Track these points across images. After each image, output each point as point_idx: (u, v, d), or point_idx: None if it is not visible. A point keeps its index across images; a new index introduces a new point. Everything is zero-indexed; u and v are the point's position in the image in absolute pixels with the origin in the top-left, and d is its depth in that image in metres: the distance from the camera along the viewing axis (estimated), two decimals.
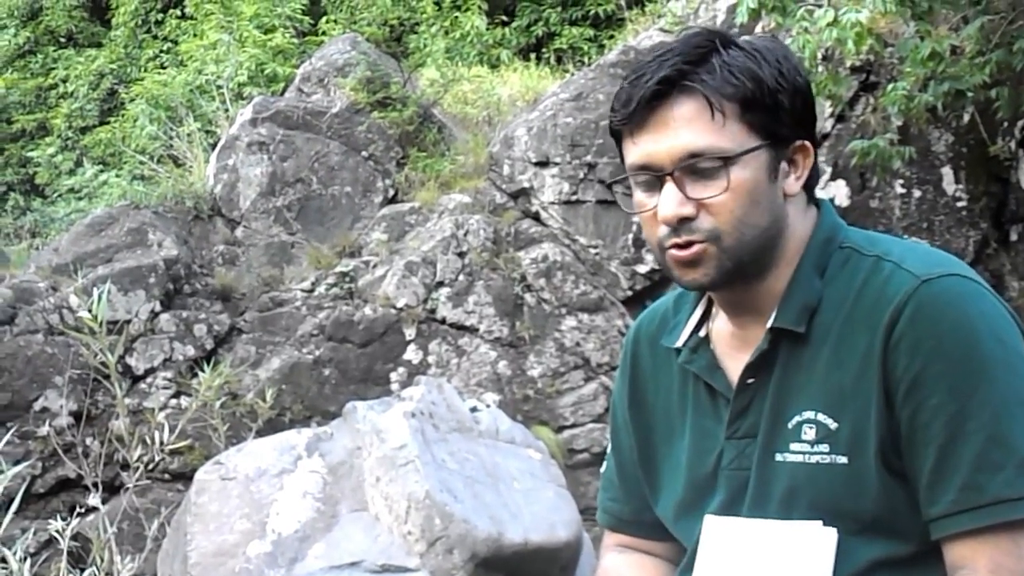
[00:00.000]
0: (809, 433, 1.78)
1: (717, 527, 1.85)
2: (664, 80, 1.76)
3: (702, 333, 1.96)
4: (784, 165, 1.83)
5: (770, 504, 1.80)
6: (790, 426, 1.80)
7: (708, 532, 1.85)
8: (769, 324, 1.83)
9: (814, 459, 1.77)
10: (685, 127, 1.76)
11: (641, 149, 1.79)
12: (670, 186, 1.77)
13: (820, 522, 1.75)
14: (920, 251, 1.84)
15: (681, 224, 1.77)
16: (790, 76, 1.82)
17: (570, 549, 5.10)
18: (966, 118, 7.29)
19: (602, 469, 2.20)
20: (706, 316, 1.97)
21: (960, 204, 7.48)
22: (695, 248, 1.77)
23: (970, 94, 6.48)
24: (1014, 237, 7.39)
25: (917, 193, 7.54)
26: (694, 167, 1.75)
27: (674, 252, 1.79)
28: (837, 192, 7.58)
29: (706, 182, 1.76)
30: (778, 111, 1.80)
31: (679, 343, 1.96)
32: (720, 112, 1.76)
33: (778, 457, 1.81)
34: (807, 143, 1.86)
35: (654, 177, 1.79)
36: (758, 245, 1.80)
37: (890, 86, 6.59)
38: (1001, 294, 1.83)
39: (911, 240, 6.87)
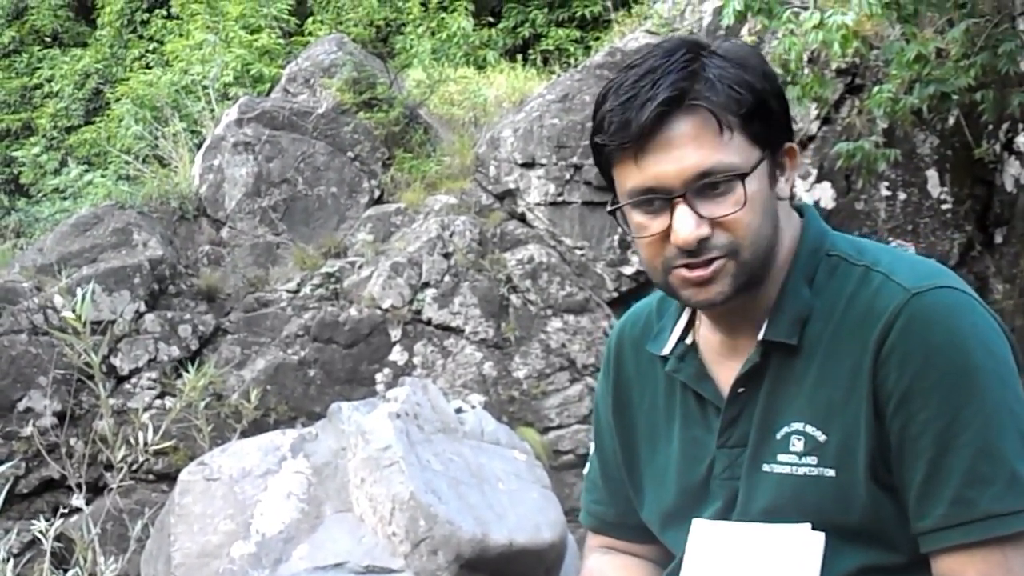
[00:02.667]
0: (797, 445, 1.78)
1: (705, 531, 1.84)
2: (667, 101, 1.71)
3: (688, 340, 1.94)
4: (776, 171, 1.82)
5: (758, 514, 1.80)
6: (778, 437, 1.80)
7: (696, 536, 1.85)
8: (761, 336, 1.82)
9: (801, 471, 1.77)
10: (692, 146, 1.72)
11: (646, 173, 1.74)
12: (684, 208, 1.72)
13: (808, 525, 1.74)
14: (908, 261, 1.83)
15: (698, 245, 1.73)
16: (771, 80, 1.81)
17: (555, 550, 5.10)
18: (951, 121, 7.31)
19: (585, 471, 2.19)
20: (691, 322, 1.96)
21: (945, 207, 7.49)
22: (714, 265, 1.74)
23: (955, 97, 6.49)
24: (999, 240, 7.40)
25: (902, 195, 7.56)
26: (703, 186, 1.72)
27: (685, 273, 1.76)
28: (822, 194, 7.59)
29: (717, 200, 1.73)
30: (772, 118, 1.79)
31: (665, 351, 1.95)
32: (728, 128, 1.73)
33: (765, 468, 1.80)
34: (793, 145, 1.85)
35: (661, 200, 1.74)
36: (766, 255, 1.79)
37: (875, 88, 6.60)
38: (985, 297, 1.82)
39: (897, 247, 6.89)
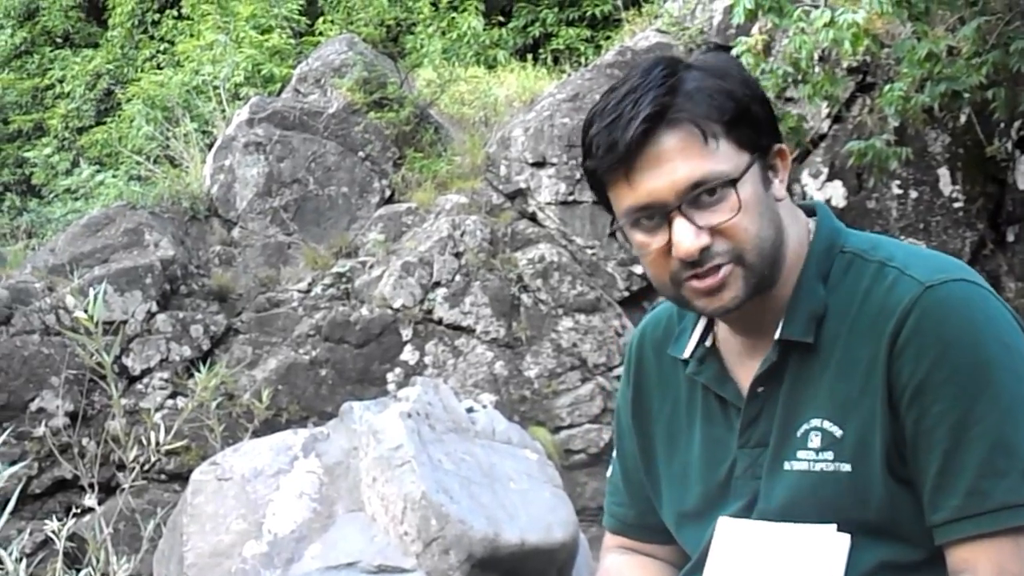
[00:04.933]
0: (815, 441, 1.78)
1: (730, 529, 1.85)
2: (649, 117, 1.73)
3: (708, 343, 1.95)
4: (769, 173, 1.82)
5: (776, 511, 1.80)
6: (798, 434, 1.80)
7: (721, 534, 1.85)
8: (777, 335, 1.83)
9: (819, 467, 1.77)
10: (680, 159, 1.73)
11: (639, 190, 1.75)
12: (681, 221, 1.74)
13: (834, 526, 1.74)
14: (923, 255, 1.83)
15: (700, 255, 1.74)
16: (753, 86, 1.82)
17: (566, 550, 5.09)
18: (963, 119, 7.29)
19: (608, 474, 2.21)
20: (711, 324, 1.96)
21: (957, 205, 7.48)
22: (721, 272, 1.75)
23: (967, 95, 6.48)
24: (1011, 238, 7.39)
25: (914, 194, 7.54)
26: (697, 196, 1.73)
27: (695, 284, 1.77)
28: (834, 193, 7.58)
29: (712, 208, 1.74)
30: (756, 122, 1.80)
31: (686, 354, 1.96)
32: (712, 136, 1.74)
33: (786, 465, 1.81)
34: (783, 147, 1.86)
35: (658, 216, 1.76)
36: (772, 256, 1.79)
37: (887, 87, 6.59)
38: (998, 294, 1.82)
39: (910, 243, 6.87)
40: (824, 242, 1.86)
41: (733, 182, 1.74)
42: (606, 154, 1.76)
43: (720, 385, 1.91)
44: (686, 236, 1.73)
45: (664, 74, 1.77)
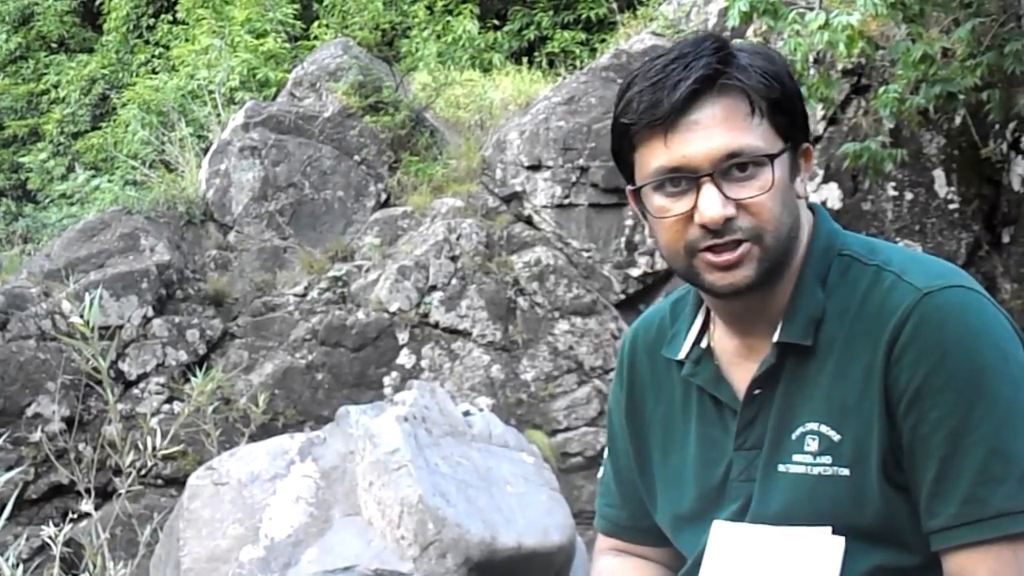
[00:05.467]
0: (812, 445, 1.78)
1: (725, 533, 1.84)
2: (702, 79, 1.73)
3: (703, 344, 1.94)
4: (795, 168, 1.83)
5: (772, 515, 1.80)
6: (794, 437, 1.80)
7: (716, 537, 1.85)
8: (775, 338, 1.82)
9: (816, 471, 1.77)
10: (722, 126, 1.73)
11: (674, 152, 1.74)
12: (710, 187, 1.73)
13: (829, 529, 1.74)
14: (920, 260, 1.83)
15: (723, 225, 1.74)
16: (794, 80, 1.83)
17: (563, 553, 5.10)
18: (958, 120, 7.30)
19: (599, 475, 2.20)
20: (705, 326, 1.96)
21: (952, 206, 7.48)
22: (740, 249, 1.75)
23: (961, 96, 6.48)
24: (1006, 239, 7.39)
25: (909, 196, 7.55)
26: (730, 167, 1.73)
27: (710, 256, 1.76)
28: (829, 195, 7.59)
29: (743, 182, 1.74)
30: (795, 113, 1.81)
31: (681, 355, 1.95)
32: (759, 111, 1.75)
33: (780, 468, 1.80)
34: (810, 147, 1.87)
35: (687, 180, 1.75)
36: (787, 244, 1.79)
37: (882, 89, 6.59)
38: (993, 296, 1.82)
39: (906, 245, 6.88)
40: (822, 244, 1.86)
41: (771, 158, 1.74)
42: (647, 111, 1.75)
43: (715, 387, 1.90)
44: (713, 204, 1.73)
45: (716, 45, 1.77)
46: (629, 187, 1.85)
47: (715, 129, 1.73)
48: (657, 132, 1.75)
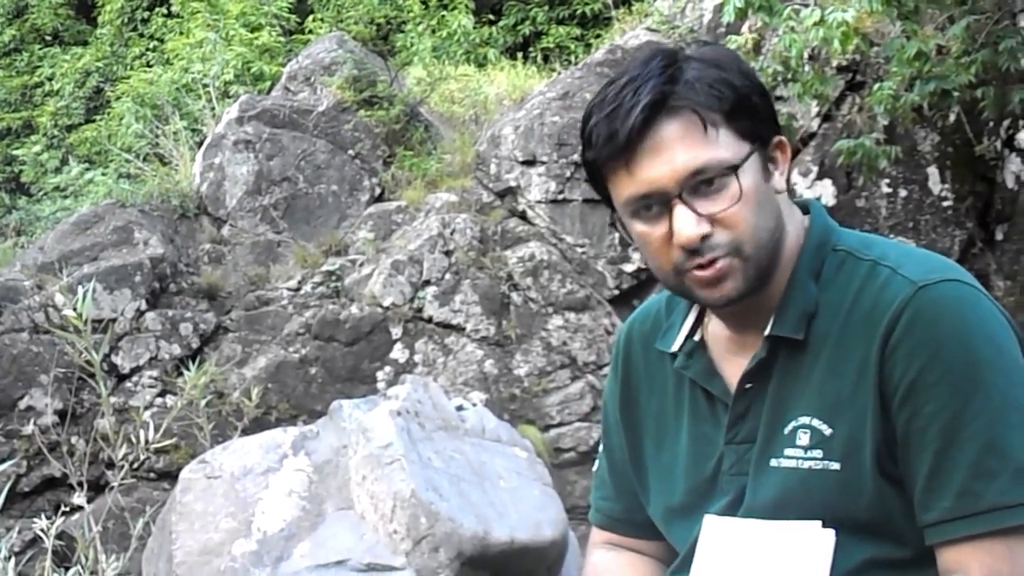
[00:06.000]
0: (803, 438, 1.78)
1: (716, 527, 1.84)
2: (650, 105, 1.73)
3: (697, 337, 1.95)
4: (769, 165, 1.82)
5: (763, 509, 1.80)
6: (786, 431, 1.80)
7: (707, 532, 1.85)
8: (767, 332, 1.83)
9: (807, 464, 1.77)
10: (680, 147, 1.73)
11: (639, 178, 1.76)
12: (682, 208, 1.74)
13: (819, 523, 1.75)
14: (915, 255, 1.83)
15: (701, 243, 1.75)
16: (752, 77, 1.83)
17: (556, 548, 5.09)
18: (952, 118, 7.30)
19: (594, 468, 2.21)
20: (699, 319, 1.96)
21: (946, 204, 7.49)
22: (720, 264, 1.75)
23: (956, 94, 6.49)
24: (1000, 236, 7.40)
25: (903, 193, 7.55)
26: (698, 184, 1.74)
27: (697, 273, 1.77)
28: (823, 192, 7.59)
29: (713, 197, 1.74)
30: (756, 112, 1.80)
31: (674, 348, 1.96)
32: (712, 125, 1.74)
33: (772, 462, 1.81)
34: (783, 139, 1.86)
35: (658, 204, 1.76)
36: (771, 248, 1.80)
37: (876, 86, 6.60)
38: (989, 294, 1.82)
39: (903, 242, 6.88)
40: (817, 239, 1.86)
41: (734, 168, 1.74)
42: (606, 144, 1.77)
43: (708, 380, 1.91)
44: (687, 223, 1.74)
45: (663, 64, 1.77)
46: (609, 220, 1.87)
47: (675, 150, 1.74)
48: (620, 162, 1.77)
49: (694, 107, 1.74)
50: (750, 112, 1.79)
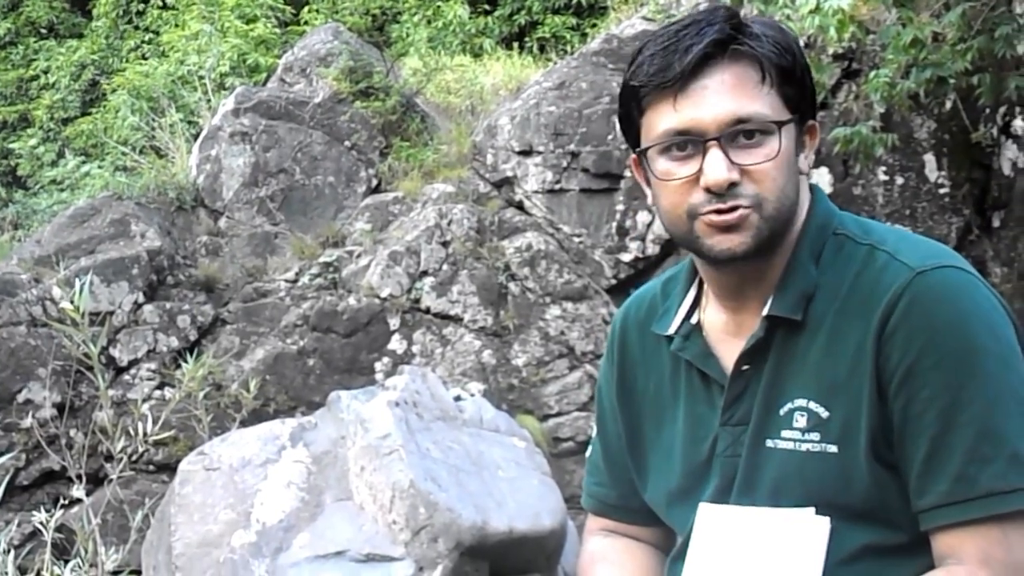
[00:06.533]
0: (800, 421, 1.78)
1: (711, 515, 1.84)
2: (714, 43, 1.74)
3: (694, 320, 1.95)
4: (800, 143, 1.84)
5: (759, 491, 1.81)
6: (782, 413, 1.80)
7: (702, 520, 1.85)
8: (765, 311, 1.83)
9: (804, 447, 1.77)
10: (731, 92, 1.74)
11: (682, 115, 1.75)
12: (716, 151, 1.74)
13: (813, 510, 1.74)
14: (913, 241, 1.84)
15: (726, 190, 1.74)
16: (805, 57, 1.84)
17: (555, 537, 5.10)
18: (948, 105, 7.30)
19: (587, 454, 2.20)
20: (696, 303, 1.96)
21: (943, 191, 7.49)
22: (740, 212, 1.75)
23: (952, 81, 6.48)
24: (996, 223, 7.40)
25: (900, 180, 7.56)
26: (737, 133, 1.74)
27: (713, 217, 1.76)
28: (820, 179, 7.59)
29: (749, 149, 1.75)
30: (804, 87, 1.82)
31: (671, 330, 1.96)
32: (769, 78, 1.76)
33: (768, 444, 1.81)
34: (816, 124, 1.87)
35: (693, 143, 1.76)
36: (787, 218, 1.80)
37: (872, 73, 6.59)
38: (986, 281, 1.82)
39: (901, 228, 6.88)
40: (818, 222, 1.86)
41: (778, 125, 1.75)
42: (657, 73, 1.76)
43: (704, 362, 1.91)
44: (718, 167, 1.74)
45: (729, 14, 1.79)
46: (633, 153, 1.86)
47: (725, 94, 1.74)
48: (667, 95, 1.77)
49: (758, 55, 1.75)
50: (800, 83, 1.80)
